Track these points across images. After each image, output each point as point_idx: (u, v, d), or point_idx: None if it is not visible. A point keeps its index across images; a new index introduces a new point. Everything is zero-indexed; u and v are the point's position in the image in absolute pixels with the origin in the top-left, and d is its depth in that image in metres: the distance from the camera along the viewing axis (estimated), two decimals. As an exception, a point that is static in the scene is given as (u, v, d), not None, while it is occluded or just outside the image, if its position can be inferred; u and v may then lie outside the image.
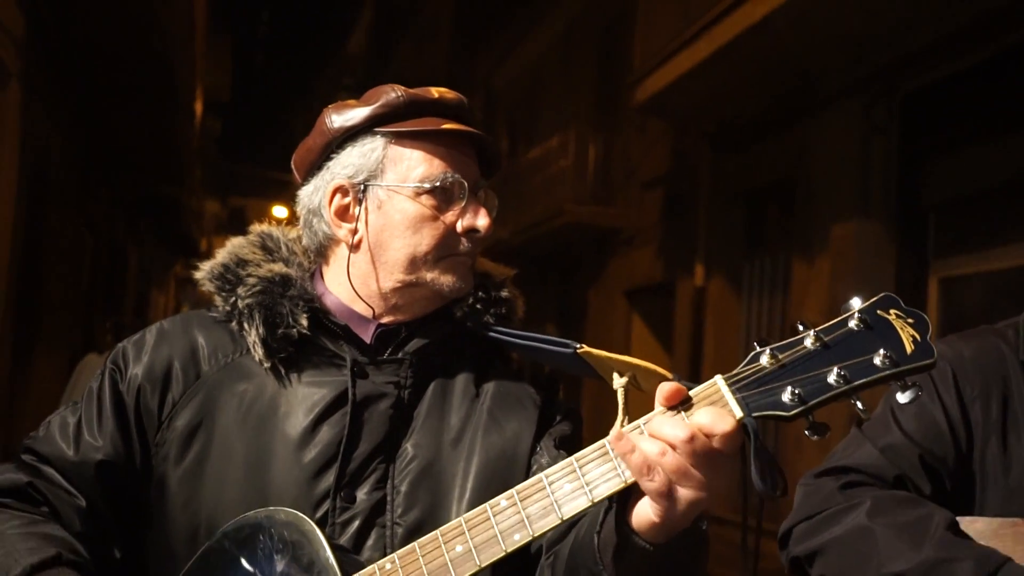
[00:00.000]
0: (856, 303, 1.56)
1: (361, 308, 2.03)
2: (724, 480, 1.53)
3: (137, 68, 12.11)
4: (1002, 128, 8.64)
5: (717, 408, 1.51)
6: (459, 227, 1.99)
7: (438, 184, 1.97)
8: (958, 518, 2.05)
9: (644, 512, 1.56)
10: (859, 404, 1.50)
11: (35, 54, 10.75)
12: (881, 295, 1.59)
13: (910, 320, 1.54)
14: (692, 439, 1.48)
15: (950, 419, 2.17)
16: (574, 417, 2.10)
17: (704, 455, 1.49)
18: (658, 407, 1.56)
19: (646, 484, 1.52)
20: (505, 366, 2.10)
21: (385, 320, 2.03)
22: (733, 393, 1.52)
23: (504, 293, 2.10)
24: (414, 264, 1.98)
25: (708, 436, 1.49)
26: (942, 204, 9.76)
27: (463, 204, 1.99)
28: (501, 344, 2.05)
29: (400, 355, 2.00)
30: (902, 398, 1.49)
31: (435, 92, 2.05)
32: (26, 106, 10.52)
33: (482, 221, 1.99)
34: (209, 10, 19.54)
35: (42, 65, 11.14)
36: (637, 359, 1.73)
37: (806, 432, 1.51)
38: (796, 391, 1.49)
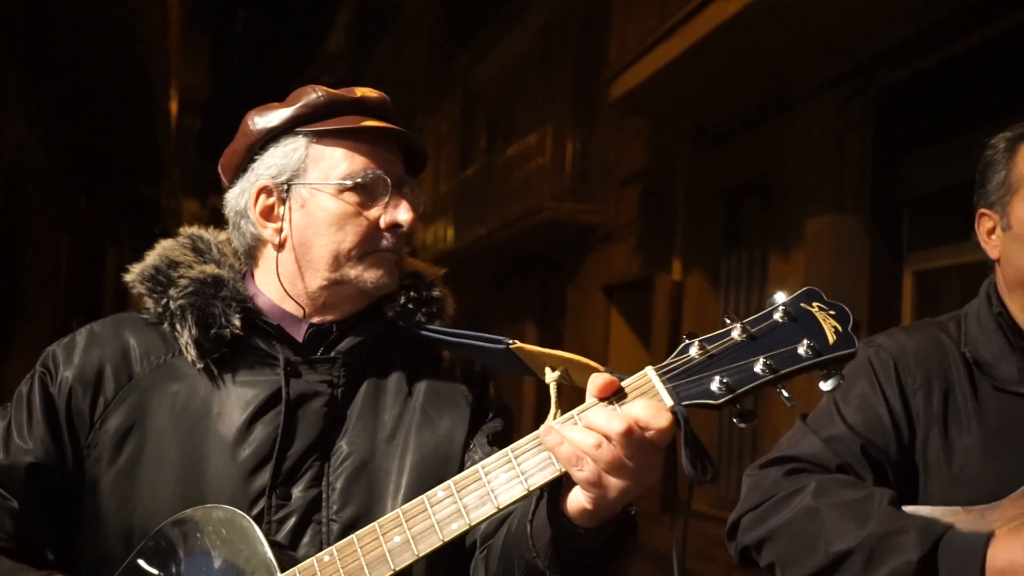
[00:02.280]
0: (780, 297, 1.61)
1: (292, 308, 2.05)
2: (654, 472, 1.56)
3: (112, 68, 12.08)
4: (975, 123, 8.67)
5: (654, 402, 1.54)
6: (382, 223, 2.01)
7: (359, 180, 1.99)
8: (903, 508, 2.08)
9: (577, 500, 1.60)
10: (784, 392, 1.54)
11: (7, 55, 10.72)
12: (804, 288, 1.64)
13: (832, 312, 1.59)
14: (629, 432, 1.51)
15: (892, 411, 2.21)
16: (506, 413, 2.14)
17: (639, 447, 1.52)
18: (590, 399, 1.59)
19: (576, 474, 1.56)
20: (437, 365, 2.13)
21: (316, 319, 2.05)
22: (664, 383, 1.56)
23: (435, 292, 2.12)
24: (338, 261, 2.00)
25: (644, 429, 1.52)
26: (916, 198, 9.81)
27: (386, 200, 2.01)
28: (433, 343, 2.07)
29: (333, 354, 2.03)
30: (825, 386, 1.53)
31: (357, 91, 2.09)
32: (-1, 107, 10.50)
33: (405, 216, 2.01)
34: (184, 9, 19.50)
35: (15, 66, 11.10)
36: (567, 353, 1.75)
37: (734, 420, 1.54)
38: (724, 380, 1.53)
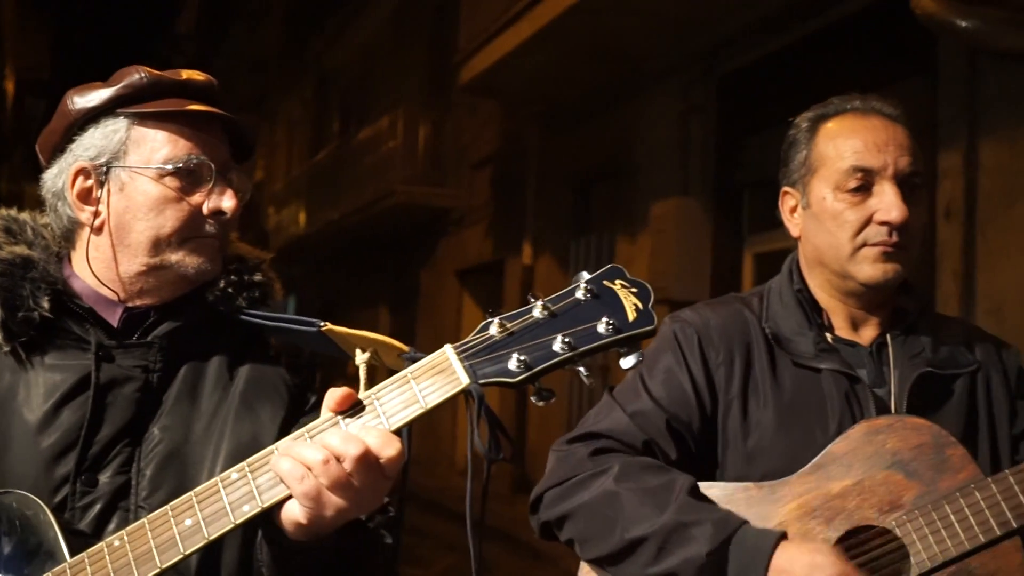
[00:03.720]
0: (585, 275, 1.61)
1: (107, 292, 2.00)
2: (377, 497, 1.60)
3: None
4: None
5: (384, 431, 1.56)
6: (205, 209, 1.97)
7: (181, 165, 1.95)
8: (702, 482, 2.13)
9: (291, 511, 1.61)
10: (583, 371, 1.55)
11: None
12: (608, 266, 1.64)
13: (634, 290, 1.60)
14: (361, 457, 1.53)
15: (696, 385, 2.25)
16: None
17: (366, 472, 1.54)
18: (325, 411, 1.61)
19: (295, 487, 1.56)
20: (261, 352, 2.09)
21: (133, 304, 2.00)
22: (461, 361, 1.56)
23: (257, 277, 2.09)
24: (158, 246, 1.96)
25: (375, 457, 1.54)
26: (756, 182, 10.05)
27: (210, 186, 1.97)
28: (258, 329, 2.04)
29: (149, 339, 1.98)
30: (625, 363, 1.55)
31: (183, 74, 2.04)
32: None
33: (228, 203, 1.98)
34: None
35: None
36: (375, 334, 1.75)
37: (532, 398, 1.55)
38: (522, 358, 1.54)
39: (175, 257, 1.96)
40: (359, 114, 21.82)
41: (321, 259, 22.87)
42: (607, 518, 2.10)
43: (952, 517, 2.05)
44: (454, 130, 17.28)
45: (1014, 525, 2.03)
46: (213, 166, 1.97)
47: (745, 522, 2.03)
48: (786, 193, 2.38)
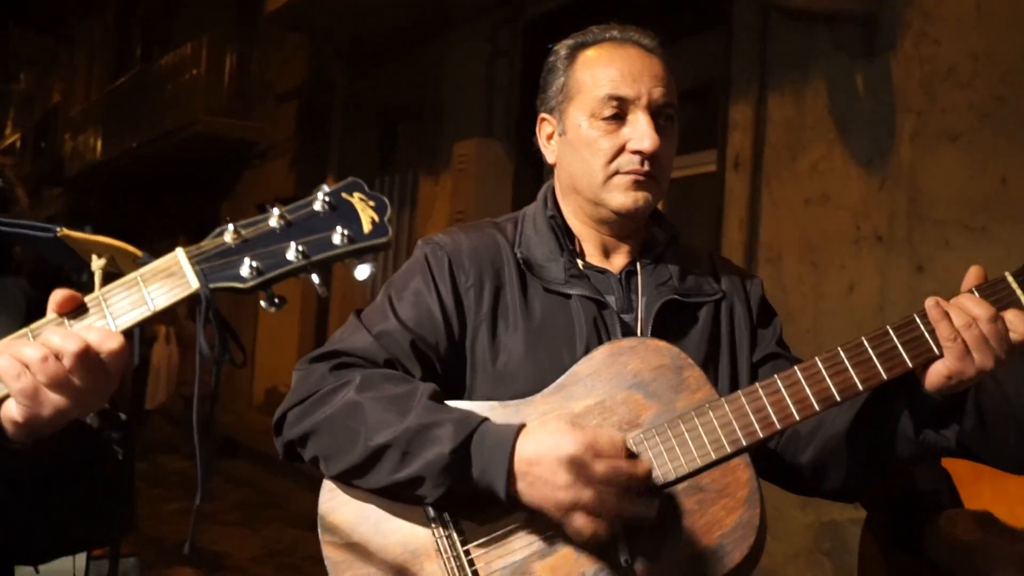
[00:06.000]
0: (324, 187, 1.63)
1: None
2: (99, 396, 1.56)
3: None
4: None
5: (107, 329, 1.52)
6: None
7: None
8: (447, 403, 2.14)
9: (8, 410, 1.56)
10: (316, 279, 1.56)
11: None
12: (348, 179, 1.65)
13: (371, 203, 1.61)
14: (81, 353, 1.49)
15: (444, 307, 2.25)
16: None
17: (87, 369, 1.50)
18: (50, 312, 1.56)
19: (12, 385, 1.51)
20: (3, 261, 2.04)
21: None
22: (192, 265, 1.55)
23: None
24: None
25: (96, 353, 1.50)
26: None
27: None
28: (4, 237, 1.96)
29: None
30: (359, 274, 1.57)
31: None
32: None
33: None
34: None
35: None
36: (113, 240, 1.72)
37: (262, 303, 1.56)
38: (255, 264, 1.54)
39: None
40: (162, 40, 21.15)
41: (119, 188, 22.15)
42: (350, 429, 2.07)
43: (686, 435, 2.09)
44: (260, 62, 16.95)
45: (744, 443, 2.08)
46: None
47: (486, 419, 2.05)
48: (543, 120, 2.38)
